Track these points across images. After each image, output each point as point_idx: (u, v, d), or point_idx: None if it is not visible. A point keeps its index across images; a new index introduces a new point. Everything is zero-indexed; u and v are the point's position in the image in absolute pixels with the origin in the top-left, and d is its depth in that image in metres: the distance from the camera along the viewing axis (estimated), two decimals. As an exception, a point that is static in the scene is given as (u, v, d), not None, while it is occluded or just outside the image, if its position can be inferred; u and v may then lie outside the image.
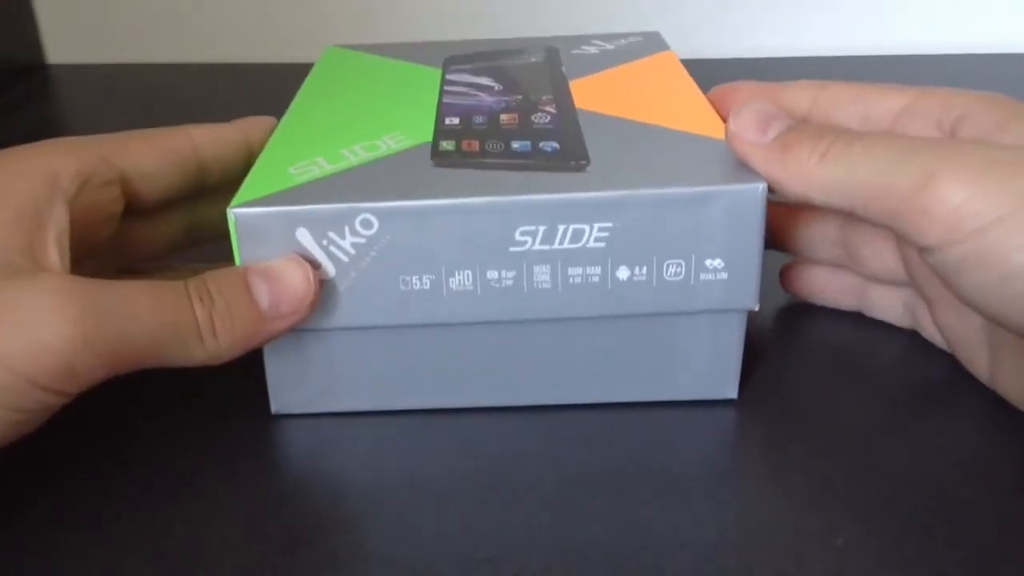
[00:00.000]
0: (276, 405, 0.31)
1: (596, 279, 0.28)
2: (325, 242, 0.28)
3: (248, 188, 0.28)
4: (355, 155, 0.30)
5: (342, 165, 0.29)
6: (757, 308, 0.29)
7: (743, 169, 0.28)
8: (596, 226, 0.27)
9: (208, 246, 0.35)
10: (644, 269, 0.28)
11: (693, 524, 0.26)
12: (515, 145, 0.30)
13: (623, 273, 0.28)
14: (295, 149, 0.31)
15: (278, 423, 0.31)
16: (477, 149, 0.30)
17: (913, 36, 0.64)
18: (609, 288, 0.28)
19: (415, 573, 0.25)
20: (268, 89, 0.59)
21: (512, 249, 0.28)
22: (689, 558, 0.25)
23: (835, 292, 0.35)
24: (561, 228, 0.27)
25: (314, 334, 0.29)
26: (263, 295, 0.27)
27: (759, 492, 0.28)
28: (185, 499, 0.28)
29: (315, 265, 0.28)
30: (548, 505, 0.27)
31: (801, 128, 0.28)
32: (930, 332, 0.33)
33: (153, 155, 0.31)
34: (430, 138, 0.31)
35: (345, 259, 0.28)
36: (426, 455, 0.29)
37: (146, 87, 0.59)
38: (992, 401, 0.31)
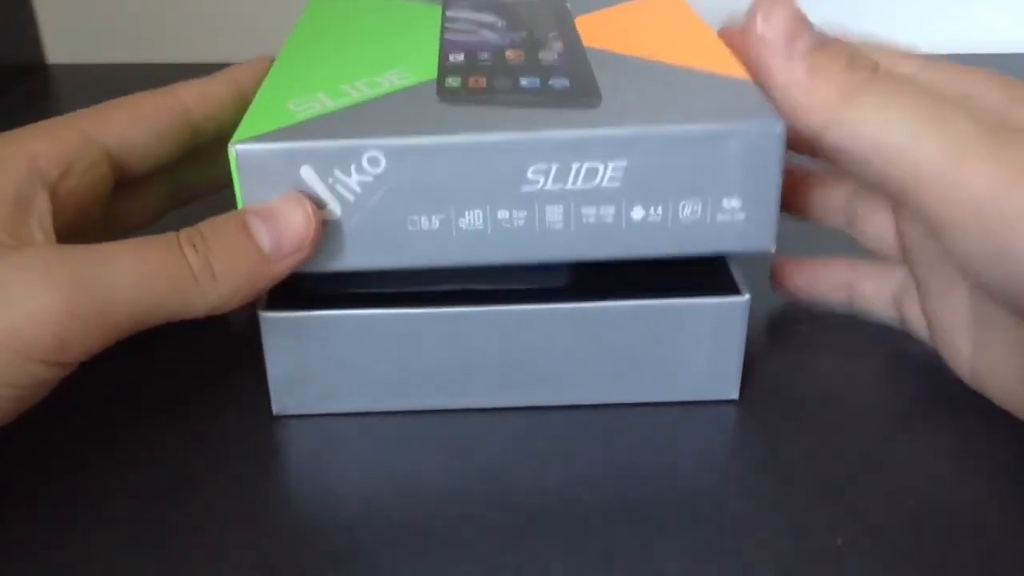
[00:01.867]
0: (277, 407, 0.31)
1: (610, 219, 0.27)
2: (331, 180, 0.27)
3: (248, 125, 0.27)
4: (357, 91, 0.29)
5: (344, 101, 0.28)
6: (773, 250, 0.28)
7: (762, 107, 0.27)
8: (611, 164, 0.27)
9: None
10: (659, 209, 0.27)
11: (693, 523, 0.26)
12: (524, 82, 0.29)
13: (638, 213, 0.27)
14: (294, 85, 0.29)
15: (278, 423, 0.31)
16: (484, 86, 0.29)
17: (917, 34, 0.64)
18: (623, 229, 0.28)
19: (415, 573, 0.25)
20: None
21: (524, 188, 0.27)
22: (689, 557, 0.25)
23: (826, 287, 0.34)
24: (575, 166, 0.27)
25: (315, 334, 0.29)
26: (263, 235, 0.26)
27: (759, 492, 0.28)
28: (185, 499, 0.28)
29: (318, 204, 0.27)
30: (548, 506, 0.27)
31: (833, 50, 0.26)
32: (915, 323, 0.32)
33: (140, 125, 0.30)
34: (434, 75, 0.30)
35: (351, 198, 0.27)
36: (426, 456, 0.29)
37: (146, 87, 0.59)
38: (990, 401, 0.31)
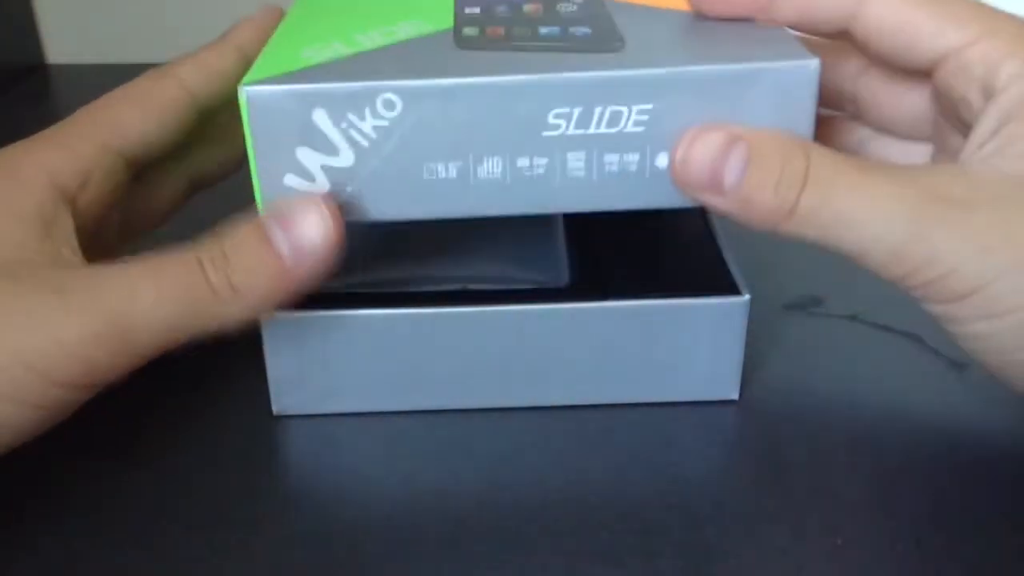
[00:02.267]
0: (277, 407, 0.31)
1: (633, 168, 0.26)
2: (344, 125, 0.26)
3: (259, 67, 0.26)
4: (371, 40, 0.28)
5: (359, 48, 0.27)
6: None
7: (794, 47, 0.26)
8: (635, 108, 0.26)
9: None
10: None
11: (693, 523, 0.26)
12: (543, 31, 0.28)
13: (662, 161, 0.26)
14: (307, 35, 0.29)
15: (279, 423, 0.31)
16: (503, 34, 0.28)
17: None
18: (647, 178, 0.26)
19: (415, 573, 0.25)
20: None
21: (545, 133, 0.26)
22: (689, 557, 0.25)
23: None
24: (598, 110, 0.26)
25: (315, 334, 0.29)
26: (281, 242, 0.26)
27: (759, 492, 0.28)
28: (185, 499, 0.28)
29: (334, 204, 0.26)
30: (548, 505, 0.27)
31: (761, 166, 0.25)
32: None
33: (150, 120, 0.30)
34: (451, 25, 0.29)
35: (365, 144, 0.26)
36: (426, 455, 0.29)
37: (146, 87, 0.59)
38: (991, 401, 0.31)
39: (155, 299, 0.25)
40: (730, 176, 0.25)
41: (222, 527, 0.27)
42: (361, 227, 0.32)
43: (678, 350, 0.30)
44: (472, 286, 0.30)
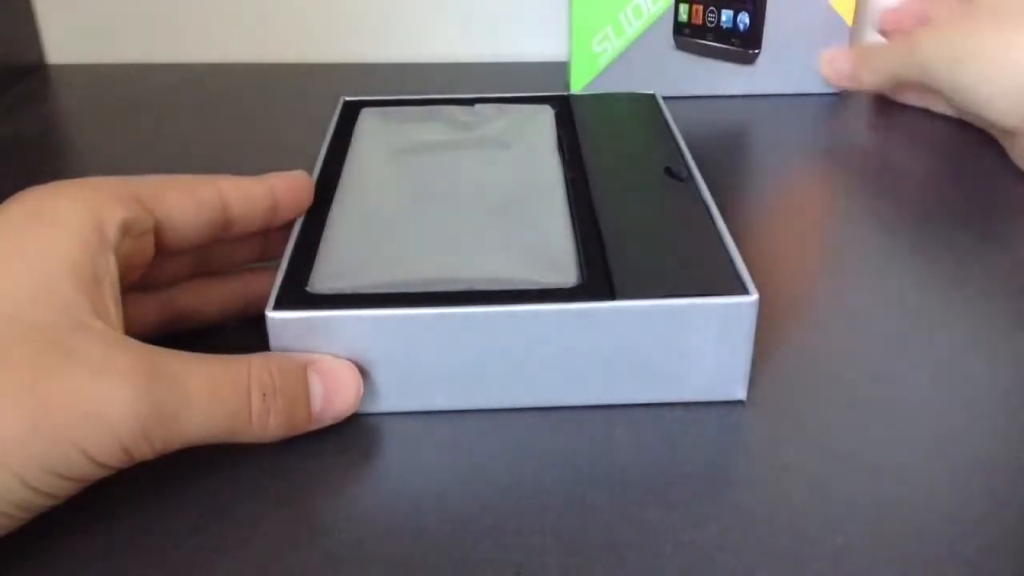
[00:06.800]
0: None
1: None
2: None
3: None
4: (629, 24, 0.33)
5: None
6: None
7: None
8: None
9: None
10: None
11: (693, 524, 0.26)
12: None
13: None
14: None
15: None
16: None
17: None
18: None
19: (416, 572, 0.25)
20: (268, 89, 0.59)
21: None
22: (689, 558, 0.25)
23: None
24: None
25: (321, 336, 0.29)
26: (317, 397, 0.29)
27: (759, 492, 0.28)
28: (185, 500, 0.28)
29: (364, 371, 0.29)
30: (550, 505, 0.27)
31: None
32: None
33: (188, 207, 0.30)
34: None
35: None
36: (430, 456, 0.29)
37: (146, 87, 0.59)
38: (992, 401, 0.31)
39: (204, 415, 0.26)
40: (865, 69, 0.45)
41: (220, 526, 0.27)
42: (365, 229, 0.33)
43: (686, 350, 0.30)
44: (479, 287, 0.30)
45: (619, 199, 0.35)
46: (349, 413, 0.29)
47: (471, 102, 0.43)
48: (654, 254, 0.32)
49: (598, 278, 0.30)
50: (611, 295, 0.29)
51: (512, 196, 0.35)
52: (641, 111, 0.43)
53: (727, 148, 0.49)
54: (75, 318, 0.25)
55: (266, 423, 0.27)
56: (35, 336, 0.24)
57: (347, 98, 0.44)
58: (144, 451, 0.25)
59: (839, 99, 0.55)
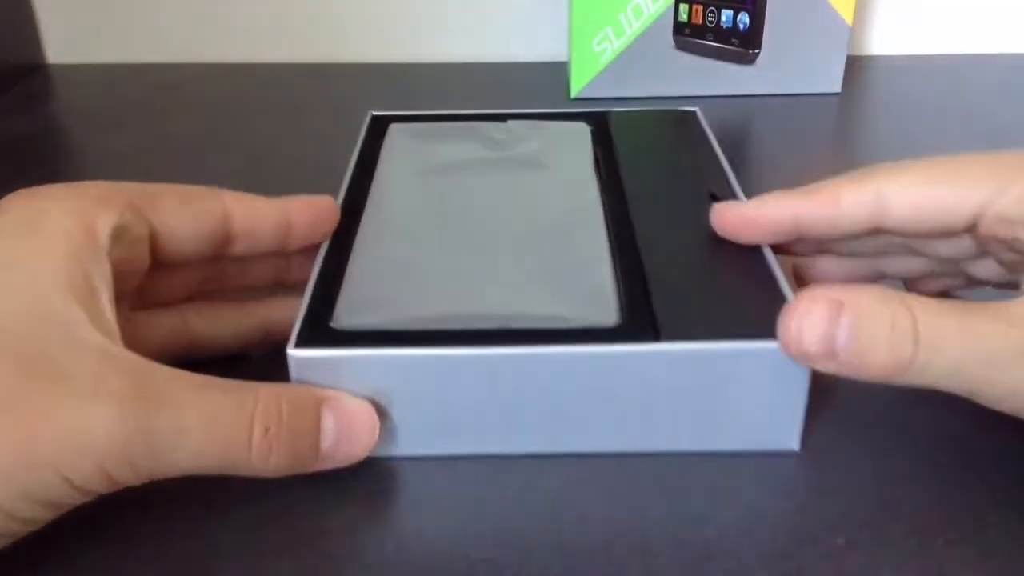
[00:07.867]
0: None
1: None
2: None
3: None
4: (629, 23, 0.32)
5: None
6: None
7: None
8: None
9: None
10: None
11: (694, 524, 0.26)
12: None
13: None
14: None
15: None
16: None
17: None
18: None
19: (415, 573, 0.25)
20: (268, 89, 0.59)
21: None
22: (690, 558, 0.25)
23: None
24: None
25: (345, 375, 0.28)
26: (329, 435, 0.26)
27: (760, 492, 0.28)
28: (185, 501, 0.28)
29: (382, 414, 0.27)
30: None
31: (870, 330, 0.25)
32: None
33: (185, 215, 0.29)
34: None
35: None
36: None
37: (146, 87, 0.59)
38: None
39: (197, 444, 0.24)
40: (840, 342, 0.25)
41: (220, 525, 0.27)
42: (393, 258, 0.31)
43: (735, 397, 0.28)
44: (514, 325, 0.28)
45: (661, 227, 0.32)
46: (363, 455, 0.27)
47: (503, 118, 0.41)
48: (701, 290, 0.29)
49: (641, 317, 0.28)
50: (655, 336, 0.27)
51: (548, 223, 0.33)
52: (682, 129, 0.41)
53: (727, 148, 0.49)
54: (68, 332, 0.24)
55: (267, 457, 0.25)
56: (24, 352, 0.23)
57: (375, 112, 0.42)
58: (128, 478, 0.24)
59: (839, 99, 0.55)
